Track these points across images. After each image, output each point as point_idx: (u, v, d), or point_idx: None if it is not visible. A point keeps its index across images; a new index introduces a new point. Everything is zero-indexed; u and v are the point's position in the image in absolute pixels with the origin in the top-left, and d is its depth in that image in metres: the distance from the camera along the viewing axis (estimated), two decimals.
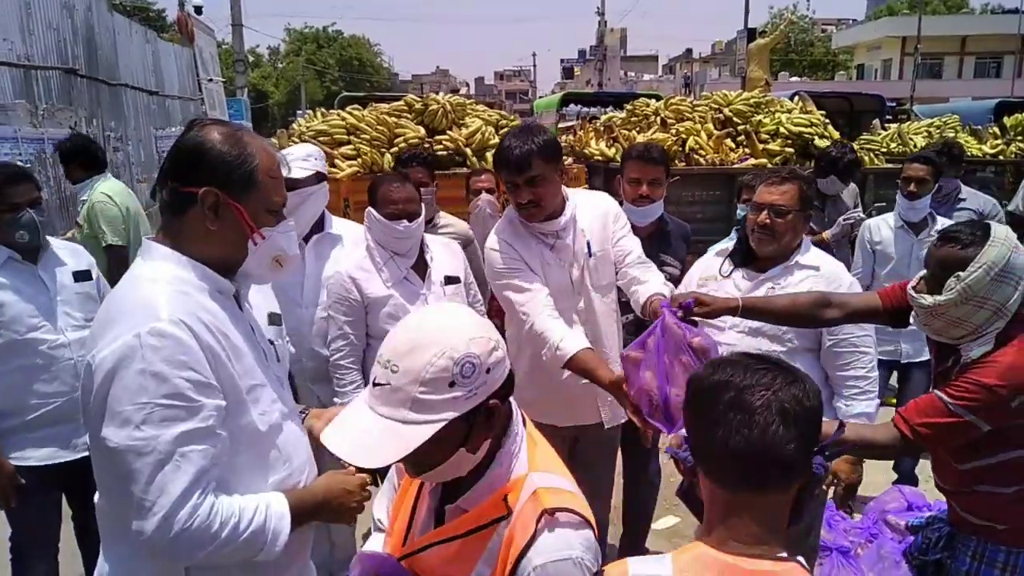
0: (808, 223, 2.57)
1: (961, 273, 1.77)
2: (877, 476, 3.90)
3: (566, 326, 2.37)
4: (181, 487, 1.29)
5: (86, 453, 2.64)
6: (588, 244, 2.52)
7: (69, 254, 2.75)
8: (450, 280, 2.80)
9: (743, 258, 2.57)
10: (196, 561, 1.36)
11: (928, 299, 1.84)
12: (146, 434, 1.28)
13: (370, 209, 2.74)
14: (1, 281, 2.52)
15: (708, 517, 1.15)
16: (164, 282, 1.38)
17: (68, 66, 10.90)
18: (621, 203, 3.09)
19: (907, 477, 3.95)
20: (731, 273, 2.57)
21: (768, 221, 2.43)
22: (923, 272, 1.93)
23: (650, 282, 2.39)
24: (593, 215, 2.56)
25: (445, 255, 2.87)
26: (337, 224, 3.03)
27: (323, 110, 6.32)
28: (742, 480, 1.09)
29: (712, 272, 2.62)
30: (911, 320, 1.98)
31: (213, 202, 1.42)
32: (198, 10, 19.64)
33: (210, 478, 1.34)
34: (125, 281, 1.45)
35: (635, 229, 3.05)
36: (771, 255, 2.48)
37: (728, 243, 2.88)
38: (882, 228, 3.95)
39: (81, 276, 2.71)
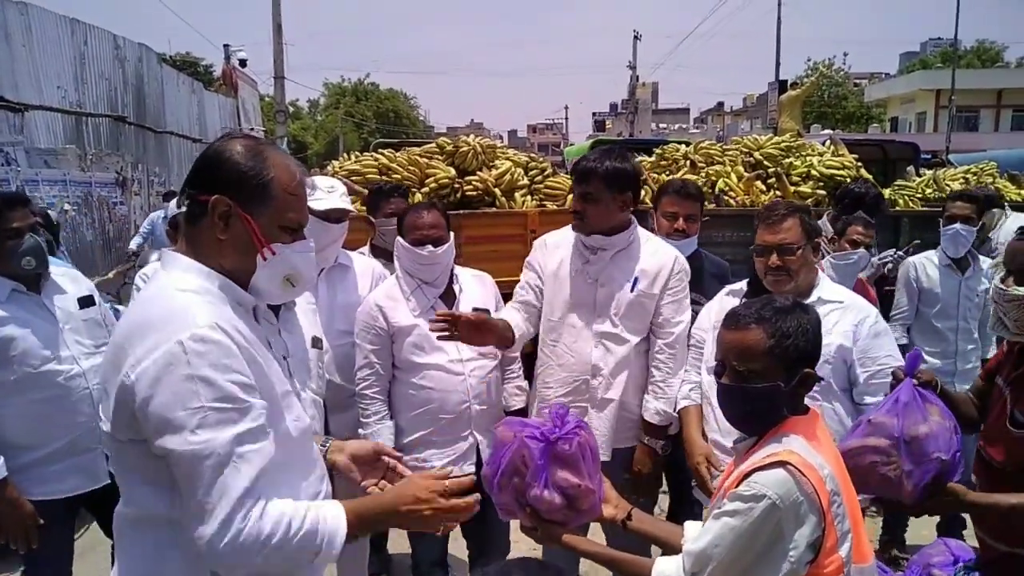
0: (818, 252, 2.48)
1: None
2: (922, 530, 3.73)
3: (513, 311, 2.70)
4: (242, 488, 1.28)
5: (108, 481, 2.64)
6: (636, 280, 2.57)
7: (69, 280, 2.67)
8: (478, 312, 2.74)
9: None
10: (254, 568, 1.31)
11: (1021, 290, 1.79)
12: (202, 438, 1.26)
13: (398, 238, 2.73)
14: (9, 315, 2.42)
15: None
16: (192, 291, 1.37)
17: (117, 114, 11.38)
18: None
19: (954, 529, 3.74)
20: None
21: (780, 262, 2.33)
22: (1000, 272, 1.89)
23: (648, 403, 2.67)
24: (655, 261, 2.64)
25: (476, 286, 2.84)
26: (343, 255, 3.00)
27: (357, 152, 6.44)
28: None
29: None
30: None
31: (224, 211, 1.40)
32: (243, 63, 20.50)
33: (266, 479, 1.32)
34: (151, 292, 1.44)
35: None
36: (791, 294, 2.37)
37: (740, 283, 2.74)
38: (928, 267, 3.87)
39: (85, 302, 2.65)
